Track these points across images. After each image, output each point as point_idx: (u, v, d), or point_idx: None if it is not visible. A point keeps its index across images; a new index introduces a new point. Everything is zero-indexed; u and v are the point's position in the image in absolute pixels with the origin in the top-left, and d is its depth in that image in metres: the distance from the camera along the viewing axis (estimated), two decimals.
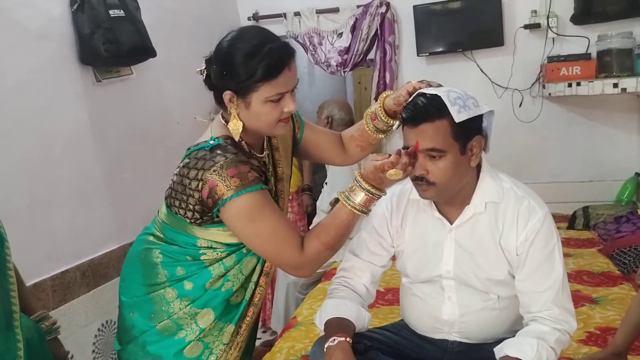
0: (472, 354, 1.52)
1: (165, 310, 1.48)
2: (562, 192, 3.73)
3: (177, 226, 1.48)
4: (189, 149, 1.46)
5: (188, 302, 1.48)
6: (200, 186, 1.36)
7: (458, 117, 1.37)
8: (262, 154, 1.53)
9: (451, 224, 1.52)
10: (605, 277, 2.53)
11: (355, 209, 1.41)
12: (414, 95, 1.44)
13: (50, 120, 2.35)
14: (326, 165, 3.34)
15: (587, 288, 2.39)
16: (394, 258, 1.68)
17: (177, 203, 1.44)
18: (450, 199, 1.50)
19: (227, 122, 1.44)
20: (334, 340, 1.41)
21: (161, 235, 1.52)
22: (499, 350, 1.40)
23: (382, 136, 1.64)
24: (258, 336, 3.41)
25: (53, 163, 2.36)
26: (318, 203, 3.39)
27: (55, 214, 2.34)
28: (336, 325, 1.47)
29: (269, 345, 2.53)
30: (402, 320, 1.71)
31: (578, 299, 2.24)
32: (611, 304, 2.21)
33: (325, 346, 1.42)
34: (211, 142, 1.40)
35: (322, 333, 1.52)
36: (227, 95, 1.39)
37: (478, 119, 1.44)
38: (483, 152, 1.50)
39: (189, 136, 1.48)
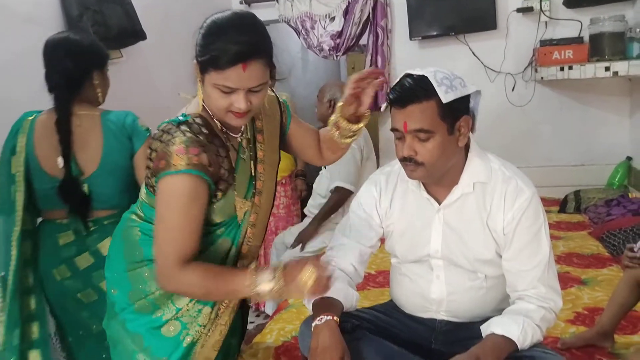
0: (459, 332, 1.53)
1: (142, 289, 1.47)
2: (554, 176, 3.75)
3: (153, 204, 1.45)
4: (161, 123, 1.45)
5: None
6: (153, 156, 1.37)
7: (445, 98, 1.38)
8: (237, 134, 1.50)
9: (439, 204, 1.52)
10: (595, 259, 2.55)
11: (253, 290, 1.31)
12: (401, 76, 1.45)
13: (38, 104, 2.33)
14: None
15: (577, 270, 2.41)
16: (382, 241, 1.69)
17: (147, 181, 1.44)
18: (439, 180, 1.50)
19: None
20: (321, 319, 1.41)
21: (141, 214, 1.51)
22: (485, 328, 1.41)
23: (350, 140, 1.62)
24: (251, 320, 3.45)
25: None
26: (315, 186, 3.38)
27: None
28: (324, 305, 1.47)
29: (262, 329, 2.54)
30: (391, 300, 1.72)
31: (567, 280, 2.25)
32: (600, 285, 2.23)
33: (313, 325, 1.43)
34: (180, 117, 1.40)
35: (312, 313, 1.52)
36: (194, 63, 1.38)
37: (465, 99, 1.44)
38: (471, 132, 1.50)
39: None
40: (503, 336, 1.36)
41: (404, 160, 1.45)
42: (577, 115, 3.79)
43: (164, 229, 1.36)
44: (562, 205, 3.45)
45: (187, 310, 1.47)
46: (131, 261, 1.49)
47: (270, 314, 3.38)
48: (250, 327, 3.29)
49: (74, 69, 1.84)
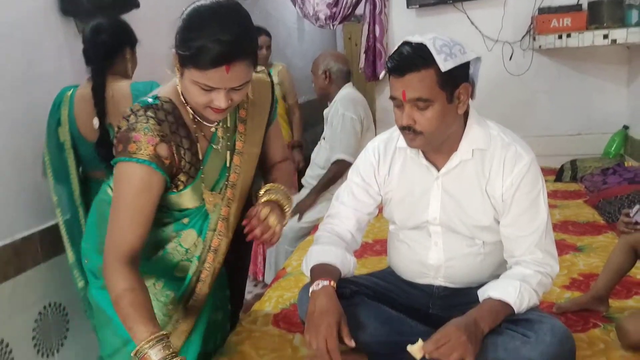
0: (456, 297, 1.55)
1: None
2: (551, 146, 3.75)
3: None
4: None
5: None
6: (117, 135, 1.34)
7: (444, 66, 1.36)
8: (212, 124, 1.44)
9: (438, 171, 1.52)
10: (590, 226, 2.57)
11: (141, 349, 1.22)
12: (400, 44, 1.43)
13: (31, 74, 2.30)
14: (324, 120, 3.30)
15: (572, 237, 2.43)
16: (380, 209, 1.69)
17: None
18: (438, 147, 1.50)
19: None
20: (319, 284, 1.43)
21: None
22: (482, 292, 1.43)
23: None
24: (249, 289, 3.49)
25: (36, 119, 2.31)
26: (313, 156, 3.37)
27: (41, 171, 2.31)
28: (321, 271, 1.48)
29: (260, 297, 2.57)
30: (388, 267, 1.73)
31: (563, 248, 2.27)
32: (595, 252, 2.25)
33: (310, 290, 1.44)
34: (150, 99, 1.35)
35: (309, 280, 1.53)
36: (173, 51, 1.32)
37: (465, 66, 1.42)
38: (470, 99, 1.49)
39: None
40: (500, 300, 1.37)
41: (403, 129, 1.45)
42: (575, 84, 3.77)
43: (114, 215, 1.32)
44: (559, 175, 3.47)
45: (155, 294, 1.44)
46: (103, 235, 1.42)
47: (269, 283, 3.42)
48: (248, 296, 3.33)
49: (109, 42, 2.11)
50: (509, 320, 1.37)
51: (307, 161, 3.56)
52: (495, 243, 1.53)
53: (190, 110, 1.39)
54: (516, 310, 1.38)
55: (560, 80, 3.78)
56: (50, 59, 2.41)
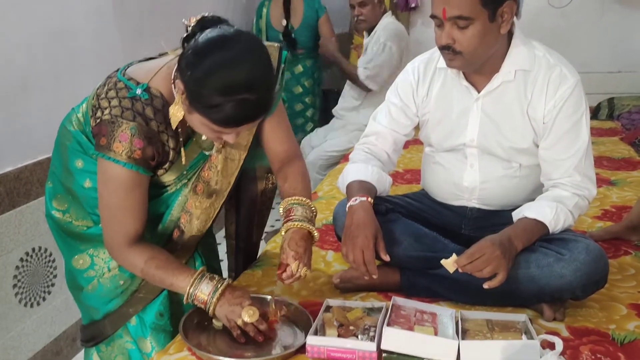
0: (489, 219, 1.56)
1: (67, 207, 1.42)
2: (589, 83, 3.58)
3: (91, 132, 1.34)
4: (123, 73, 1.29)
5: (80, 214, 1.41)
6: (97, 117, 1.26)
7: None
8: None
9: (478, 92, 1.50)
10: (625, 162, 2.55)
11: (190, 293, 1.28)
12: None
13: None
14: (363, 50, 3.22)
15: (606, 172, 2.42)
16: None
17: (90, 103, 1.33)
18: (479, 68, 1.47)
19: (175, 84, 1.24)
20: (356, 199, 1.45)
21: (82, 120, 1.37)
22: (517, 213, 1.44)
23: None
24: (277, 218, 3.54)
25: (73, 32, 2.32)
26: (347, 86, 3.34)
27: (79, 83, 2.32)
28: (358, 188, 1.50)
29: None
30: (422, 190, 1.75)
31: (596, 182, 2.25)
32: (629, 186, 2.24)
33: (347, 205, 1.46)
34: (138, 90, 1.25)
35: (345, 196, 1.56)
36: (179, 84, 1.19)
37: None
38: (516, 18, 1.45)
39: (211, 11, 1.34)
40: (535, 219, 1.38)
41: (443, 49, 1.42)
42: (618, 18, 3.63)
43: (106, 208, 1.30)
44: (595, 112, 3.40)
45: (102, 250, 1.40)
46: (64, 166, 1.41)
47: None
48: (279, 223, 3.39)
49: None
50: (543, 239, 1.39)
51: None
52: (531, 166, 1.52)
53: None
54: (551, 230, 1.39)
55: (604, 14, 3.63)
56: None
